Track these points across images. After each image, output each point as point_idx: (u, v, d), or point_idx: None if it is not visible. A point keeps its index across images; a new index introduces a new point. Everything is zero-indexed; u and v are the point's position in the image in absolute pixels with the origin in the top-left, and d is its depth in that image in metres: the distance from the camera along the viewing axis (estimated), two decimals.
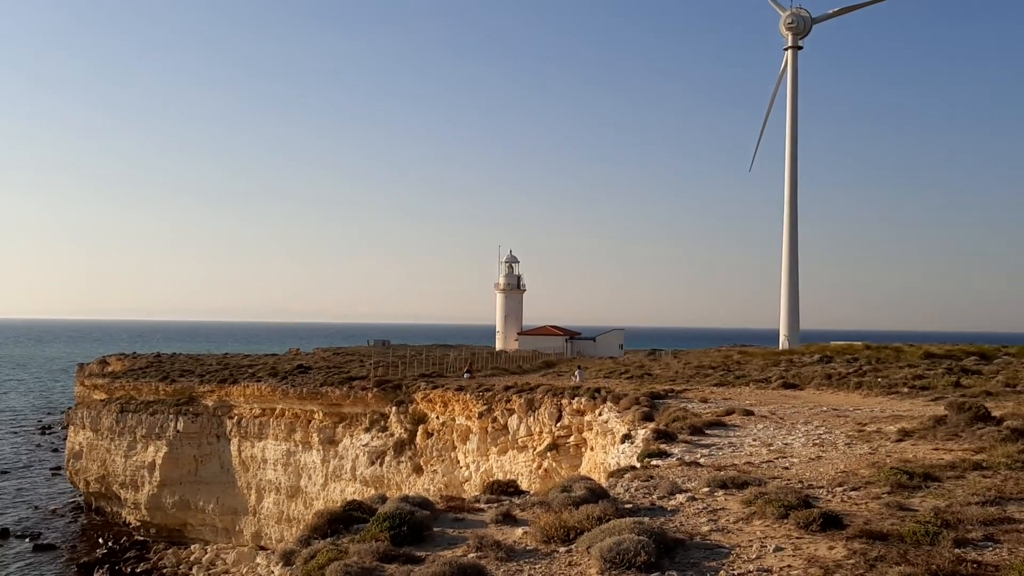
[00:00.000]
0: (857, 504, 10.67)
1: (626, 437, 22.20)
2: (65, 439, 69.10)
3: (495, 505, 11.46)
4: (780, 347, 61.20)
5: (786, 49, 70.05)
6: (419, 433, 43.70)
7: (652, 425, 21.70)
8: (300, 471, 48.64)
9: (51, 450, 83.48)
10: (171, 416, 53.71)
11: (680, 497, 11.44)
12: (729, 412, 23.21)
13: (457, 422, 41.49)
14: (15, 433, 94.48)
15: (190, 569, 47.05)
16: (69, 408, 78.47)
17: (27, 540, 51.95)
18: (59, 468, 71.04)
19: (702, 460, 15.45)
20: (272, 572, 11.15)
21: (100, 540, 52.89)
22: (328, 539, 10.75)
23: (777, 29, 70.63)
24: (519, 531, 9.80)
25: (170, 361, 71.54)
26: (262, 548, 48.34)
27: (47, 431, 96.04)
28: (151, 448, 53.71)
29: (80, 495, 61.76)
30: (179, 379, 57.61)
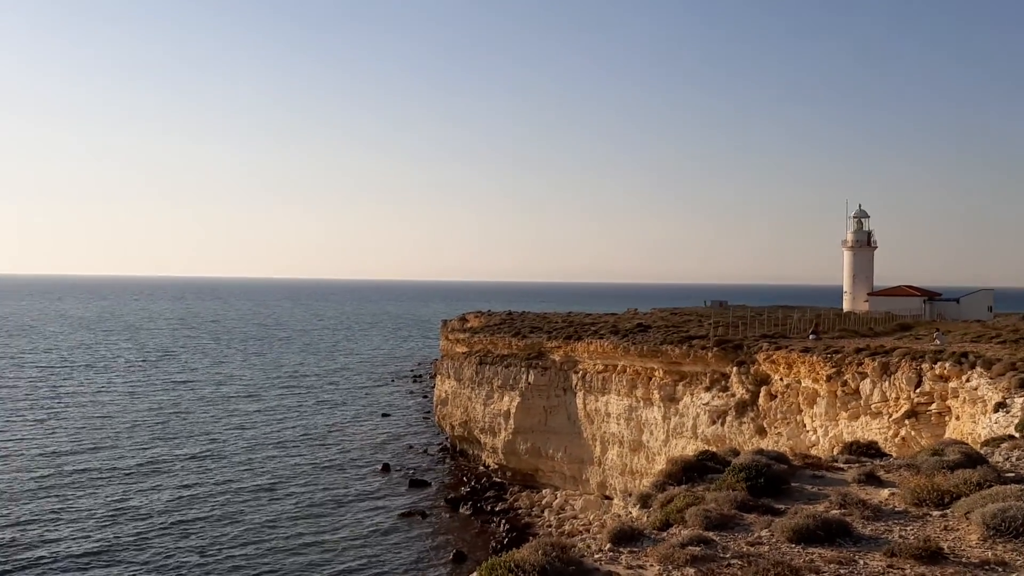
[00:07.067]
0: None
1: (1000, 406, 20.19)
2: (433, 387, 77.12)
3: (856, 465, 11.14)
4: None
5: None
6: (762, 394, 42.82)
7: None
8: (641, 426, 49.92)
9: (422, 396, 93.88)
10: (523, 369, 57.69)
11: None
12: None
13: (803, 384, 40.05)
14: (393, 381, 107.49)
15: (542, 512, 50.59)
16: (436, 360, 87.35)
17: (403, 475, 59.21)
18: (429, 413, 79.56)
19: None
20: (631, 513, 11.81)
21: (464, 479, 58.57)
22: (683, 486, 11.14)
23: None
24: (885, 492, 9.47)
25: (520, 318, 76.64)
26: (607, 497, 50.55)
27: (418, 380, 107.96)
28: (506, 398, 58.18)
29: (447, 438, 68.74)
30: (529, 335, 61.55)
